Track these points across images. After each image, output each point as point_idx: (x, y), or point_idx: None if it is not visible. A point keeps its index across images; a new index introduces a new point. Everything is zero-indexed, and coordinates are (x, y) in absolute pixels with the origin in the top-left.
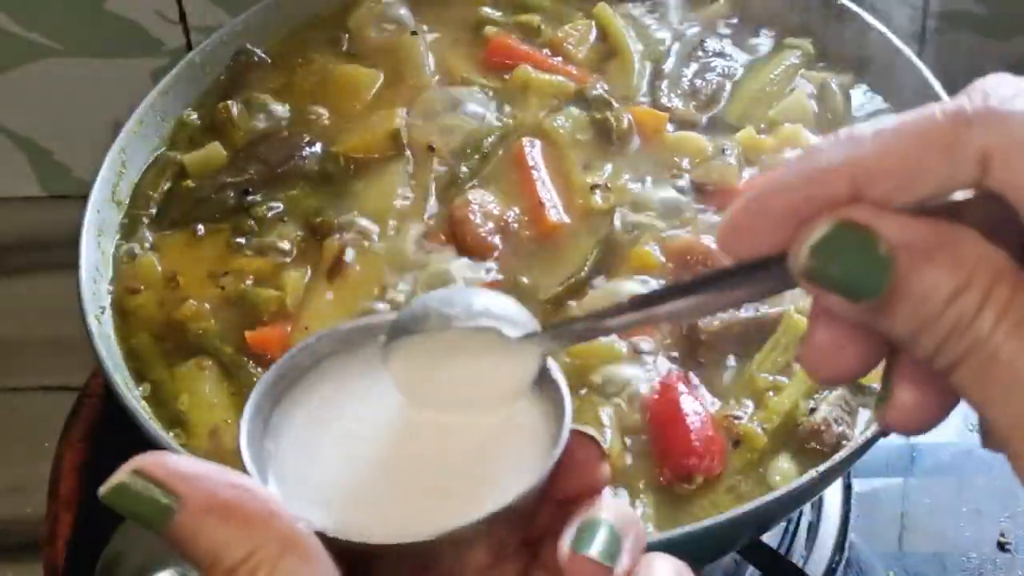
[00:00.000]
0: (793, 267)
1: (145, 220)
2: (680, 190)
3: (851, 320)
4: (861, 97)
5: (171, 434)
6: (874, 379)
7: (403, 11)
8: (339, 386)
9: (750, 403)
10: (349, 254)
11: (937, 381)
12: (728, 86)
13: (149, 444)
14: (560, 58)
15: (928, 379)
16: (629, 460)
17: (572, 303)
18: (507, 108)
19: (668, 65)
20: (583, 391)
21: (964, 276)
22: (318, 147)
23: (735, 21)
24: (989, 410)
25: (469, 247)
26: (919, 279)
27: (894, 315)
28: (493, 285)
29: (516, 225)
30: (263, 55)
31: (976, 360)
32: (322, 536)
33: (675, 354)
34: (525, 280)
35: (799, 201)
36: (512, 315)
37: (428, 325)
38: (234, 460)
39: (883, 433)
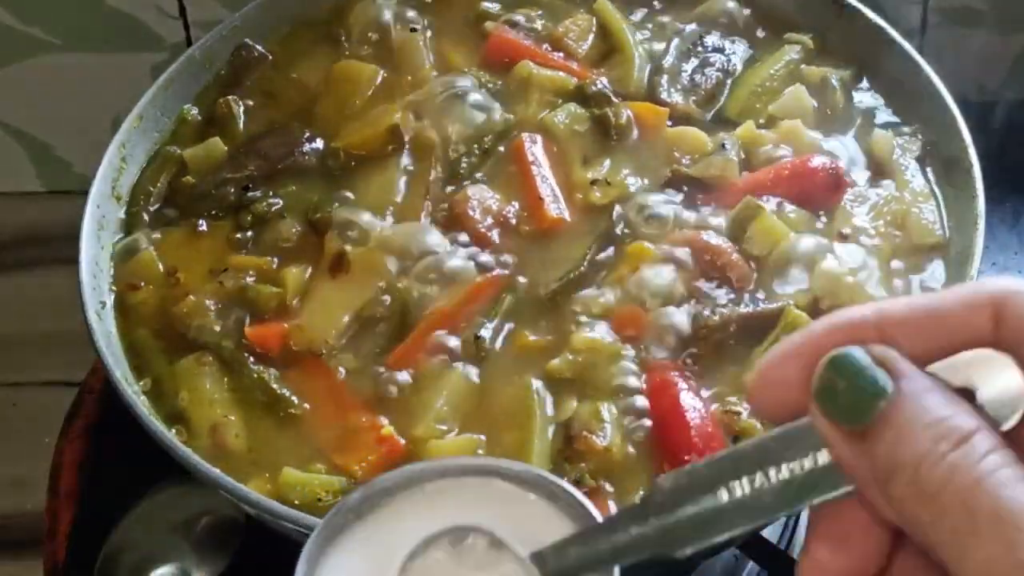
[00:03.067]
0: (812, 388)
1: (145, 216)
2: (680, 185)
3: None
4: (862, 93)
5: (172, 431)
6: None
7: (403, 7)
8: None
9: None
10: (349, 250)
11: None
12: (728, 82)
13: (149, 440)
14: (561, 53)
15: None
16: (629, 455)
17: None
18: (508, 104)
19: (668, 61)
20: (584, 387)
21: (958, 435)
22: (318, 142)
23: (735, 16)
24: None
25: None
26: (919, 412)
27: (877, 443)
28: (494, 281)
29: (516, 220)
30: (263, 50)
31: (950, 504)
32: None
33: (675, 350)
34: (523, 277)
35: (829, 347)
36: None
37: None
38: (235, 460)
39: None
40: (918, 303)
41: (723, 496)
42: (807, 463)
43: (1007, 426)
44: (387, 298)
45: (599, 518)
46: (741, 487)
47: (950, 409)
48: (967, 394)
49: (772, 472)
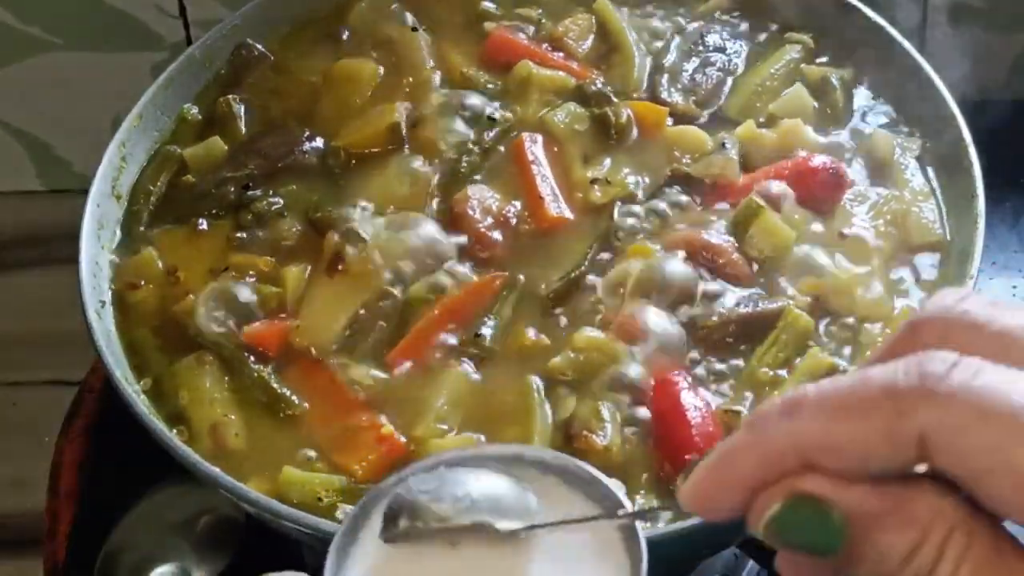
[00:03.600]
0: (754, 532)
1: (145, 215)
2: (680, 185)
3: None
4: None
5: (174, 431)
6: None
7: (403, 6)
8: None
9: (751, 398)
10: (348, 249)
11: None
12: (728, 81)
13: (149, 439)
14: (561, 53)
15: None
16: (629, 455)
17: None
18: (508, 103)
19: (668, 60)
20: (584, 386)
21: (918, 534)
22: (319, 141)
23: (736, 15)
24: None
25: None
26: (872, 544)
27: (857, 568)
28: (494, 280)
29: (516, 220)
30: (263, 49)
31: None
32: None
33: (675, 349)
34: (524, 276)
35: (752, 474)
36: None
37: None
38: (235, 460)
39: None
40: (832, 429)
41: None
42: None
43: None
44: (387, 297)
45: (624, 500)
46: None
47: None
48: None
49: None
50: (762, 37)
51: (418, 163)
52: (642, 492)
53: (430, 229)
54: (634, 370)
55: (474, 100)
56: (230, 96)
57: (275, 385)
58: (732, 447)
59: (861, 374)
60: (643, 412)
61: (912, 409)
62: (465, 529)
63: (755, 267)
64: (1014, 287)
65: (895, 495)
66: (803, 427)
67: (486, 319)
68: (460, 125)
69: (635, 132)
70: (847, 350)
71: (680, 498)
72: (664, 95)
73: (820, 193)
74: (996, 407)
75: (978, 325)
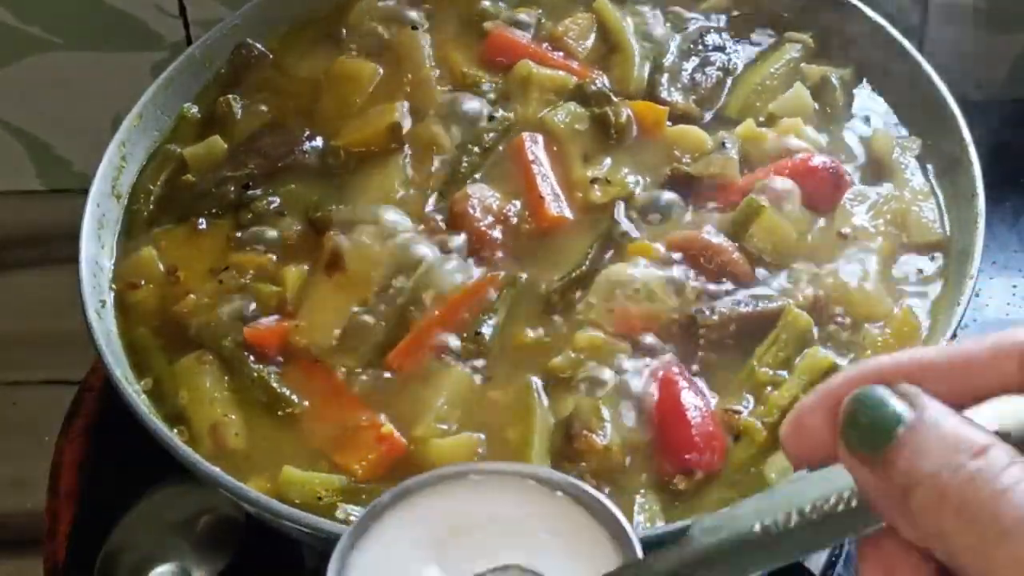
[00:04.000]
0: (838, 423)
1: (145, 214)
2: (680, 184)
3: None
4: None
5: (174, 431)
6: None
7: (403, 5)
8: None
9: (750, 398)
10: (347, 249)
11: None
12: (728, 80)
13: (149, 438)
14: (561, 52)
15: None
16: (629, 455)
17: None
18: (508, 103)
19: (668, 59)
20: (585, 386)
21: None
22: (318, 141)
23: (735, 15)
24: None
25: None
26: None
27: (896, 462)
28: (494, 279)
29: (516, 219)
30: (263, 49)
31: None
32: None
33: (676, 348)
34: (524, 275)
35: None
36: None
37: None
38: (236, 459)
39: None
40: (946, 351)
41: (756, 529)
42: (835, 502)
43: None
44: (386, 297)
45: (622, 521)
46: (775, 524)
47: (966, 428)
48: (1001, 437)
49: (806, 509)
50: (762, 36)
51: (418, 162)
52: (642, 492)
53: (429, 228)
54: (635, 370)
55: (474, 100)
56: (230, 96)
57: (275, 385)
58: (838, 378)
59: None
60: (644, 412)
61: (1020, 331)
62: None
63: (755, 266)
64: (1014, 286)
65: (964, 417)
66: (916, 352)
67: (486, 319)
68: (460, 124)
69: (635, 131)
70: (847, 350)
71: (782, 436)
72: (664, 95)
73: (820, 192)
74: None
75: None
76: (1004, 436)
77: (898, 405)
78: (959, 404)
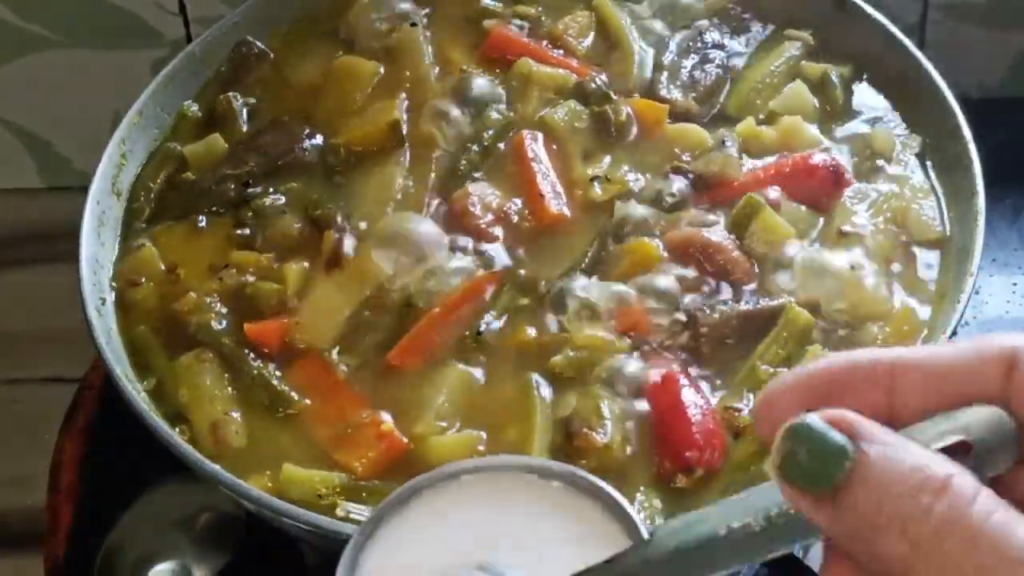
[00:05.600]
0: (774, 461)
1: (146, 212)
2: (680, 182)
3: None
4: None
5: (176, 430)
6: None
7: (403, 3)
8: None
9: (751, 396)
10: (348, 246)
11: None
12: (728, 78)
13: (149, 436)
14: (560, 51)
15: None
16: (630, 452)
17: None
18: (508, 101)
19: (668, 57)
20: (585, 384)
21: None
22: (319, 139)
23: (735, 12)
24: None
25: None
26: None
27: (847, 504)
28: (494, 277)
29: (516, 217)
30: (263, 47)
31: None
32: None
33: (677, 346)
34: (524, 273)
35: (830, 382)
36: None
37: None
38: (236, 458)
39: None
40: (932, 352)
41: (721, 532)
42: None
43: (995, 472)
44: (387, 295)
45: (628, 508)
46: (742, 527)
47: (920, 458)
48: (963, 446)
49: (772, 513)
50: (762, 34)
51: (418, 160)
52: (642, 489)
53: (429, 227)
54: (635, 367)
55: (474, 98)
56: (230, 93)
57: (275, 382)
58: (814, 364)
59: None
60: (643, 409)
61: (1007, 336)
62: None
63: (755, 264)
64: (1014, 284)
65: (913, 444)
66: (900, 350)
67: (486, 317)
68: (460, 123)
69: (635, 129)
70: (847, 347)
71: (754, 411)
72: (664, 92)
73: (820, 190)
74: None
75: None
76: (965, 448)
77: (837, 437)
78: (935, 406)
